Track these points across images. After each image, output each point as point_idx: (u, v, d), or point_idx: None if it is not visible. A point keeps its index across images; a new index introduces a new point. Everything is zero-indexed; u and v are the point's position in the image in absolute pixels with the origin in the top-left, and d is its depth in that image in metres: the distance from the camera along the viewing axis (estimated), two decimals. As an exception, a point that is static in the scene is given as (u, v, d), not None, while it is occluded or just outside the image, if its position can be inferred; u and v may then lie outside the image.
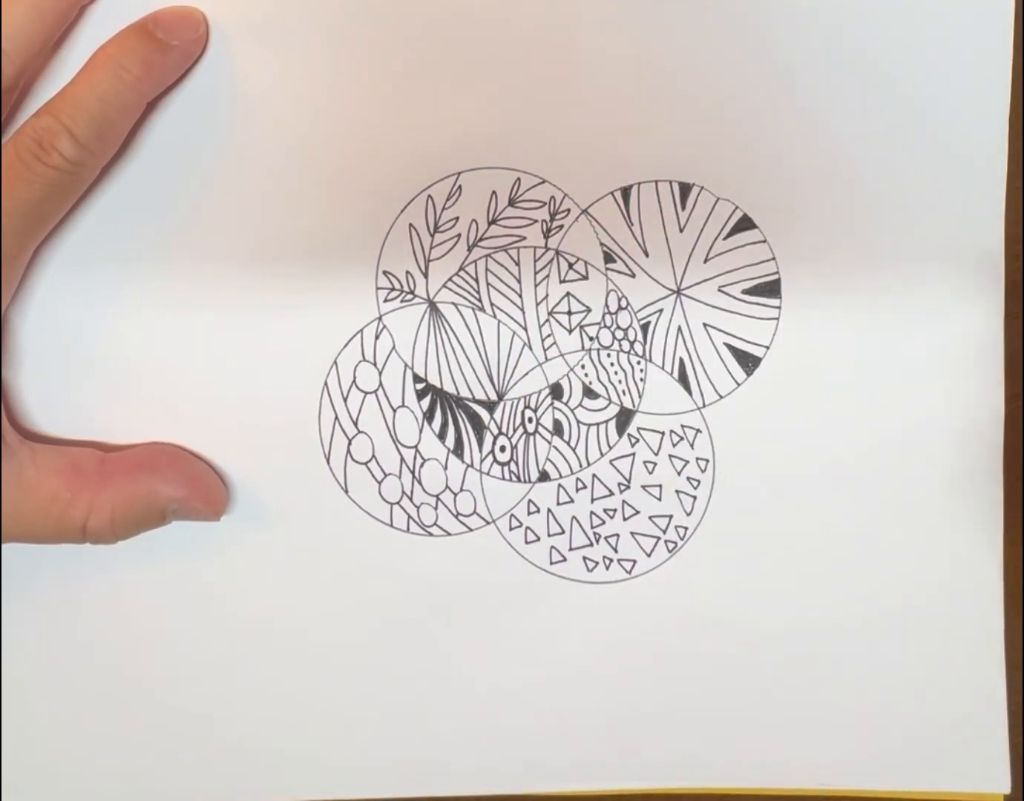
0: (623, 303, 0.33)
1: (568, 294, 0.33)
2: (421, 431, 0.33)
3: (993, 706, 0.34)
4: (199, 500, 0.32)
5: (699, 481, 0.33)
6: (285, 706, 0.35)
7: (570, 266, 0.33)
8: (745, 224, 0.32)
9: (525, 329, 0.33)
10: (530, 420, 0.33)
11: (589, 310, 0.33)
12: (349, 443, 0.33)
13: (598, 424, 0.33)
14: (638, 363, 0.33)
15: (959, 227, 0.32)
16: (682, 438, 0.33)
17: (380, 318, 0.33)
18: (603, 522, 0.34)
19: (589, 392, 0.33)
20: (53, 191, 0.29)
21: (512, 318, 0.33)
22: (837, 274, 0.32)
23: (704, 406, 0.33)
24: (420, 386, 0.33)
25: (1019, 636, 0.34)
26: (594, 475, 0.33)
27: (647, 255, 0.32)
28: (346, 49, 0.31)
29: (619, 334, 0.33)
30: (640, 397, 0.33)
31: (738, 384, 0.33)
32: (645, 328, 0.33)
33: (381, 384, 0.33)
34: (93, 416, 0.33)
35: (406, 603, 0.34)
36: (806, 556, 0.33)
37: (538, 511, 0.34)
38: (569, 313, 0.33)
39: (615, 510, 0.34)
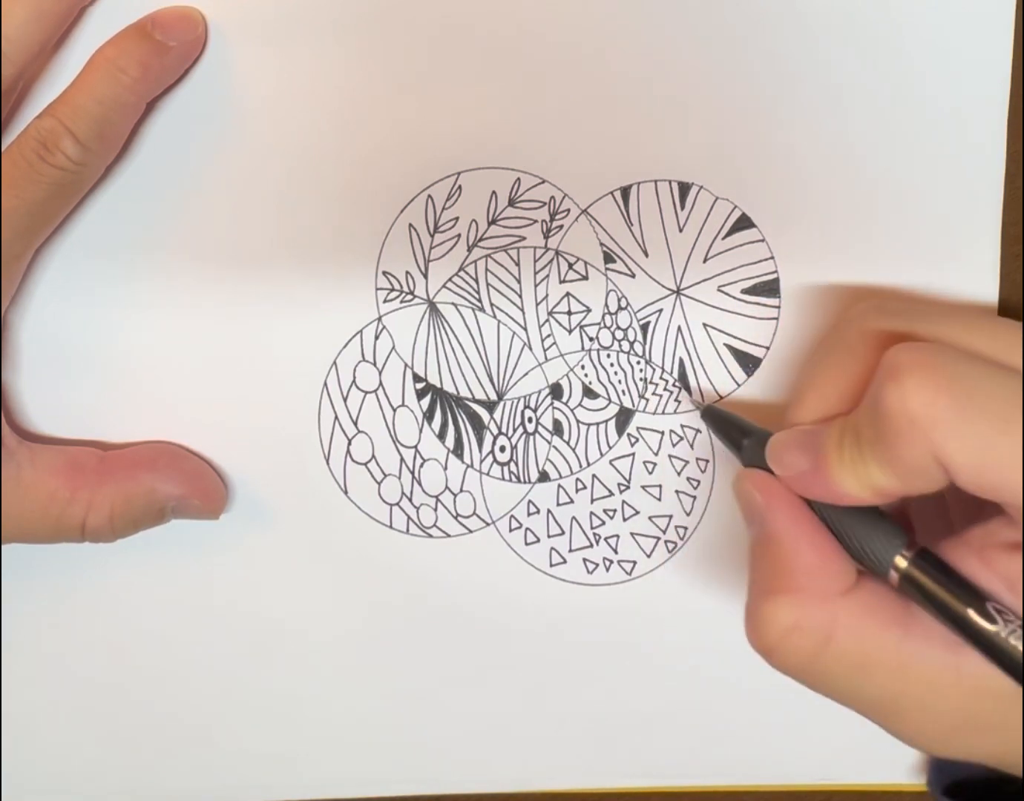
0: (623, 303, 0.33)
1: (568, 294, 0.33)
2: (421, 431, 0.33)
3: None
4: (198, 498, 0.32)
5: (699, 481, 0.33)
6: (284, 706, 0.35)
7: (570, 266, 0.32)
8: (743, 223, 0.32)
9: (525, 329, 0.33)
10: (530, 420, 0.33)
11: (589, 310, 0.33)
12: (349, 443, 0.33)
13: (598, 424, 0.33)
14: (638, 363, 0.33)
15: (957, 227, 0.32)
16: (682, 438, 0.33)
17: (380, 318, 0.33)
18: (603, 523, 0.34)
19: (589, 392, 0.33)
20: (58, 190, 0.29)
21: (512, 318, 0.33)
22: (835, 273, 0.32)
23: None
24: (420, 386, 0.33)
25: None
26: (594, 475, 0.33)
27: (647, 255, 0.32)
28: (345, 49, 0.31)
29: (619, 334, 0.33)
30: (639, 397, 0.33)
31: (738, 384, 0.33)
32: (645, 328, 0.33)
33: (381, 384, 0.33)
34: (92, 416, 0.33)
35: (405, 605, 0.34)
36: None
37: (538, 512, 0.33)
38: (569, 313, 0.33)
39: (615, 511, 0.33)
